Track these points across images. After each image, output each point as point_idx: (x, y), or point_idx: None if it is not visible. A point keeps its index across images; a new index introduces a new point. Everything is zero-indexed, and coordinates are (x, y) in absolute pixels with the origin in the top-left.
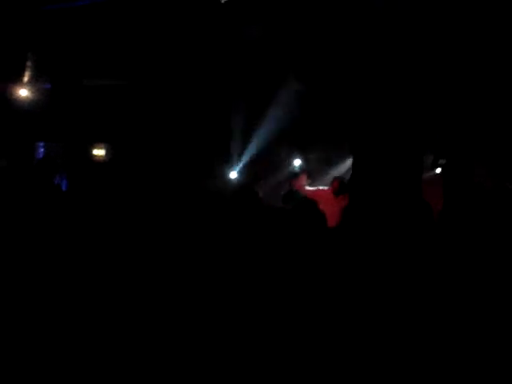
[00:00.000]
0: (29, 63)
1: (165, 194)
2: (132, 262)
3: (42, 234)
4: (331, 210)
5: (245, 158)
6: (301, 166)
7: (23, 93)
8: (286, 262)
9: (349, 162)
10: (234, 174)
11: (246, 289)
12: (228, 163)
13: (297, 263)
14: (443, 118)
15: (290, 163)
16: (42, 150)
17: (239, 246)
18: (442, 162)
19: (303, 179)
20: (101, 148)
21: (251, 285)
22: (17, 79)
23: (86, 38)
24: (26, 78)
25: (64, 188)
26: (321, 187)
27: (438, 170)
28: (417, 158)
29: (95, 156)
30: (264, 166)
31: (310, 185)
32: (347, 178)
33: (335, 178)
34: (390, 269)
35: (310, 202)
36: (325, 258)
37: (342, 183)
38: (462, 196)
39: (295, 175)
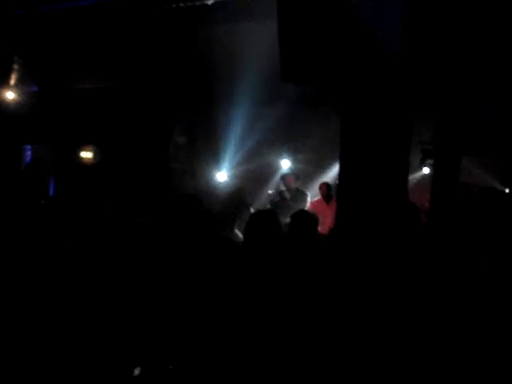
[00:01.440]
0: (15, 66)
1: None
2: (118, 268)
3: (27, 240)
4: (330, 219)
5: (233, 159)
6: (290, 168)
7: (10, 95)
8: (283, 268)
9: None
10: (222, 176)
11: (245, 295)
12: (214, 164)
13: (293, 268)
14: (431, 116)
15: (279, 164)
16: (29, 152)
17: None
18: (429, 162)
19: (291, 181)
20: (89, 150)
21: (249, 291)
22: (3, 82)
23: (73, 40)
24: (12, 81)
25: (51, 191)
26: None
27: (426, 171)
28: (403, 158)
29: (83, 158)
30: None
31: (298, 187)
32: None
33: (321, 184)
34: (381, 271)
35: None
36: (320, 262)
37: (329, 187)
38: (450, 197)
39: (283, 177)
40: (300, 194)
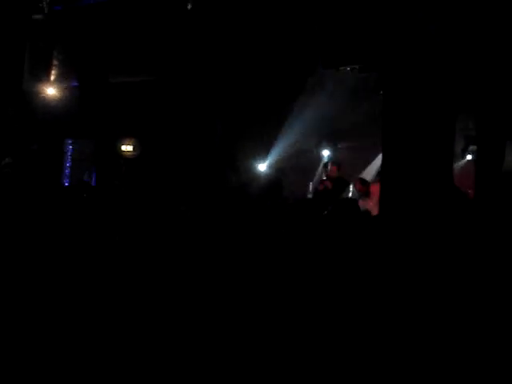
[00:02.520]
0: (55, 62)
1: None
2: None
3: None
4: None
5: (274, 151)
6: (330, 157)
7: (51, 91)
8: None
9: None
10: (263, 167)
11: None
12: (255, 155)
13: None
14: (474, 102)
15: (320, 154)
16: (71, 146)
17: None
18: (472, 148)
19: (334, 170)
20: (129, 143)
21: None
22: (44, 78)
23: (112, 34)
24: (53, 77)
25: (93, 183)
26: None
27: (469, 157)
28: (447, 145)
29: (124, 151)
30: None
31: (341, 176)
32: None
33: (355, 182)
34: (428, 259)
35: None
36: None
37: (363, 182)
38: (495, 184)
39: (326, 166)
40: (342, 183)
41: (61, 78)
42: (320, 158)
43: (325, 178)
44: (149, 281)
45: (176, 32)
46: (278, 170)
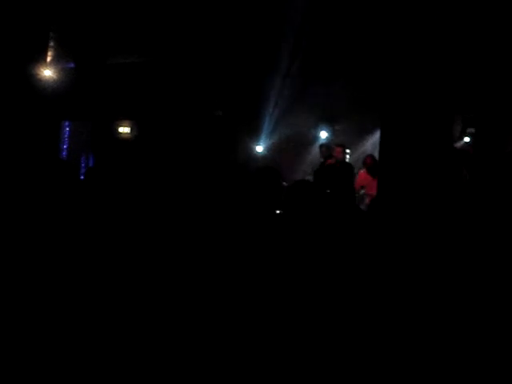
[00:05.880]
0: (52, 43)
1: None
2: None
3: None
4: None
5: (271, 132)
6: (328, 139)
7: (47, 73)
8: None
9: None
10: (260, 149)
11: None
12: (251, 136)
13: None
14: (471, 84)
15: (317, 136)
16: (68, 128)
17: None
18: (470, 130)
19: (339, 152)
20: (126, 125)
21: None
22: (40, 59)
23: (110, 14)
24: (49, 58)
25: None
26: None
27: (467, 139)
28: (446, 127)
29: (121, 133)
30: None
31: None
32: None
33: (367, 157)
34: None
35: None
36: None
37: (374, 160)
38: (493, 166)
39: (327, 148)
40: (346, 166)
41: (57, 59)
42: (316, 139)
43: (323, 161)
44: (145, 275)
45: (176, 12)
46: (273, 152)
